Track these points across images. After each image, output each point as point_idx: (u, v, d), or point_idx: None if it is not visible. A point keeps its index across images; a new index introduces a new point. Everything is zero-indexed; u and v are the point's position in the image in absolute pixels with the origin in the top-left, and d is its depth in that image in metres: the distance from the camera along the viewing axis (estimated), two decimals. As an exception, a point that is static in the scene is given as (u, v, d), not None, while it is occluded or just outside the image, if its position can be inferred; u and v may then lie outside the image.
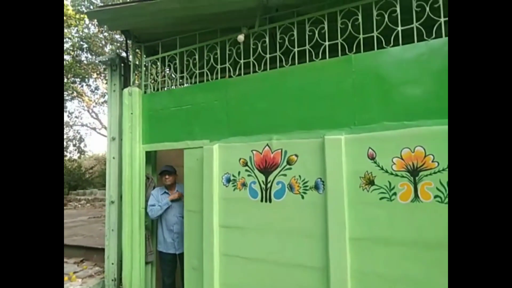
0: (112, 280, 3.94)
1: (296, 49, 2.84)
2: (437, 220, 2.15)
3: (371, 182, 2.37)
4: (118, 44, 15.49)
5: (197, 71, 3.38)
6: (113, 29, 4.59)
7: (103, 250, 4.61)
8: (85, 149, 18.48)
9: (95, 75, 16.59)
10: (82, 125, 18.56)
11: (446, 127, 2.16)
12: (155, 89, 3.85)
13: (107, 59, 4.29)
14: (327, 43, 2.71)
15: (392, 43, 2.47)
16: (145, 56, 3.94)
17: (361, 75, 2.52)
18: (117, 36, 14.54)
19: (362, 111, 2.48)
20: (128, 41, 4.10)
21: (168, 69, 3.90)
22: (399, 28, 2.45)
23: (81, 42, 15.27)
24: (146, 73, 3.86)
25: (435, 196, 2.17)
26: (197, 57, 3.40)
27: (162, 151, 3.92)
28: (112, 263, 3.95)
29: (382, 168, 2.35)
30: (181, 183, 3.82)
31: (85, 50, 15.62)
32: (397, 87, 2.39)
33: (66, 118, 19.32)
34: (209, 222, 3.00)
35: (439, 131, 2.18)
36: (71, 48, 15.31)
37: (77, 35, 15.65)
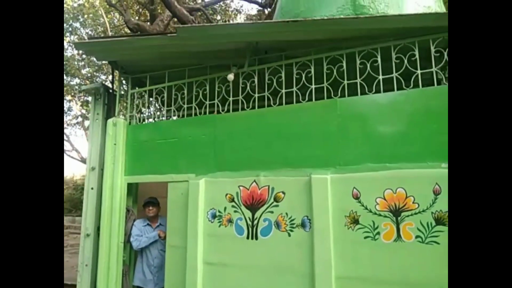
0: (83, 320, 3.69)
1: (283, 90, 2.98)
2: (418, 260, 2.25)
3: (356, 221, 2.46)
4: (96, 67, 15.33)
5: (185, 105, 3.43)
6: (100, 60, 4.60)
7: (72, 286, 4.34)
8: (53, 172, 17.56)
9: (69, 97, 16.18)
10: (51, 146, 17.76)
11: (425, 170, 2.32)
12: (140, 121, 3.84)
13: (91, 87, 4.26)
14: (313, 86, 2.87)
15: (374, 90, 2.66)
16: (131, 87, 3.95)
17: (345, 118, 2.67)
18: (94, 59, 14.38)
19: (346, 152, 2.61)
20: (114, 71, 4.11)
21: (155, 101, 3.92)
22: (380, 77, 2.65)
23: (57, 63, 14.93)
24: (132, 104, 3.86)
25: (416, 236, 2.28)
26: (185, 91, 3.46)
27: (144, 183, 3.86)
28: (84, 302, 3.72)
29: (366, 208, 2.45)
30: (163, 215, 3.75)
31: (60, 71, 15.25)
32: (379, 130, 2.55)
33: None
34: (193, 258, 2.95)
35: (419, 174, 2.34)
36: (46, 69, 14.91)
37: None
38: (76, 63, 15.12)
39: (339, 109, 2.70)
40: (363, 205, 2.46)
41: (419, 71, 2.54)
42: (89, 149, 4.15)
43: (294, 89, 2.94)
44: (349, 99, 2.70)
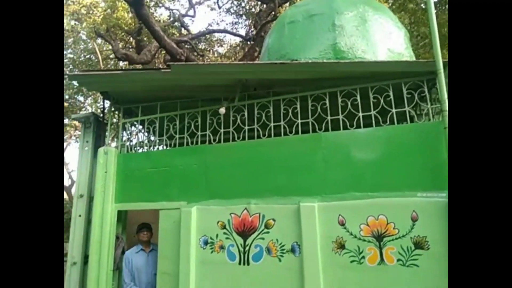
0: None
1: (272, 124, 3.22)
2: (400, 281, 2.46)
3: (342, 246, 2.66)
4: (76, 89, 15.18)
5: (177, 135, 3.59)
6: (91, 90, 4.72)
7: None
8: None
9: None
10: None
11: (403, 199, 2.59)
12: (131, 150, 3.94)
13: (81, 116, 4.36)
14: (299, 121, 3.13)
15: (355, 125, 2.95)
16: (122, 116, 4.05)
17: (329, 150, 2.93)
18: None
19: (331, 182, 2.85)
20: (105, 101, 4.22)
21: (146, 131, 4.05)
22: (360, 114, 2.95)
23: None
24: (123, 133, 3.96)
25: (398, 260, 2.51)
26: (177, 123, 3.63)
27: (133, 211, 3.92)
28: (68, 334, 3.63)
29: (351, 234, 2.66)
30: (154, 242, 3.79)
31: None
32: (360, 162, 2.82)
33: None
34: (185, 285, 3.01)
35: (397, 202, 2.60)
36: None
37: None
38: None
39: (324, 142, 2.96)
40: (348, 231, 2.68)
41: (393, 110, 2.86)
42: (77, 177, 4.18)
43: (282, 123, 3.19)
44: (333, 133, 2.97)
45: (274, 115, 3.25)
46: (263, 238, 2.91)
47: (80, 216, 3.96)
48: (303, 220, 2.78)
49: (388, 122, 2.87)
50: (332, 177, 2.86)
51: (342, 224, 2.70)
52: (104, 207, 3.65)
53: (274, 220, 2.92)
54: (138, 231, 3.75)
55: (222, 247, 3.03)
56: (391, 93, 2.90)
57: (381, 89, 2.94)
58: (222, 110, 3.37)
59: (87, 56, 10.20)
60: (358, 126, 2.94)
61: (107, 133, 4.03)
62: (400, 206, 2.58)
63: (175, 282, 3.08)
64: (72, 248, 3.88)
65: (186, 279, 3.03)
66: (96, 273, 3.48)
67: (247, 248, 2.94)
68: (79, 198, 4.02)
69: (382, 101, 2.90)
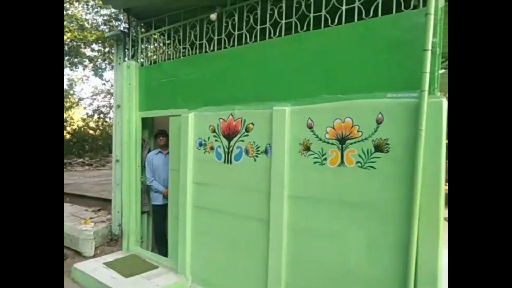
0: (118, 225, 4.68)
1: (258, 27, 3.10)
2: (357, 183, 2.45)
3: (307, 148, 2.69)
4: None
5: (181, 47, 3.76)
6: (116, 8, 5.05)
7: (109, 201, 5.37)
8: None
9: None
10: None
11: (371, 100, 2.40)
12: (150, 63, 4.30)
13: (113, 34, 4.80)
14: (284, 21, 2.94)
15: (336, 22, 2.65)
16: (140, 31, 4.35)
17: (308, 52, 2.76)
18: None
19: (305, 85, 2.75)
20: (129, 18, 4.53)
21: (162, 44, 4.30)
22: (344, 7, 2.62)
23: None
24: (143, 47, 4.30)
25: (357, 162, 2.45)
26: (181, 34, 3.76)
27: (159, 117, 4.45)
28: (118, 212, 4.67)
29: (317, 136, 2.64)
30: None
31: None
32: (334, 63, 2.61)
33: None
34: (184, 179, 3.51)
35: (365, 104, 2.42)
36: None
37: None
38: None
39: (304, 43, 2.78)
40: (315, 134, 2.66)
41: (378, -2, 2.46)
42: (115, 90, 4.83)
43: (268, 25, 3.05)
44: (313, 33, 2.74)
45: (261, 17, 3.10)
46: (243, 140, 3.11)
47: (118, 123, 4.68)
48: (275, 123, 2.84)
49: (371, 15, 2.49)
50: (306, 80, 2.75)
51: (310, 127, 2.68)
52: (130, 115, 4.25)
53: (253, 124, 3.04)
54: (155, 136, 4.33)
55: (212, 148, 3.35)
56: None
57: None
58: (213, 16, 3.36)
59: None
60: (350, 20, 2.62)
61: (129, 48, 4.43)
62: (367, 108, 2.40)
63: (178, 176, 3.61)
64: (115, 149, 4.72)
65: (185, 174, 3.51)
66: (127, 169, 4.26)
67: (230, 149, 3.20)
68: (117, 108, 4.70)
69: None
